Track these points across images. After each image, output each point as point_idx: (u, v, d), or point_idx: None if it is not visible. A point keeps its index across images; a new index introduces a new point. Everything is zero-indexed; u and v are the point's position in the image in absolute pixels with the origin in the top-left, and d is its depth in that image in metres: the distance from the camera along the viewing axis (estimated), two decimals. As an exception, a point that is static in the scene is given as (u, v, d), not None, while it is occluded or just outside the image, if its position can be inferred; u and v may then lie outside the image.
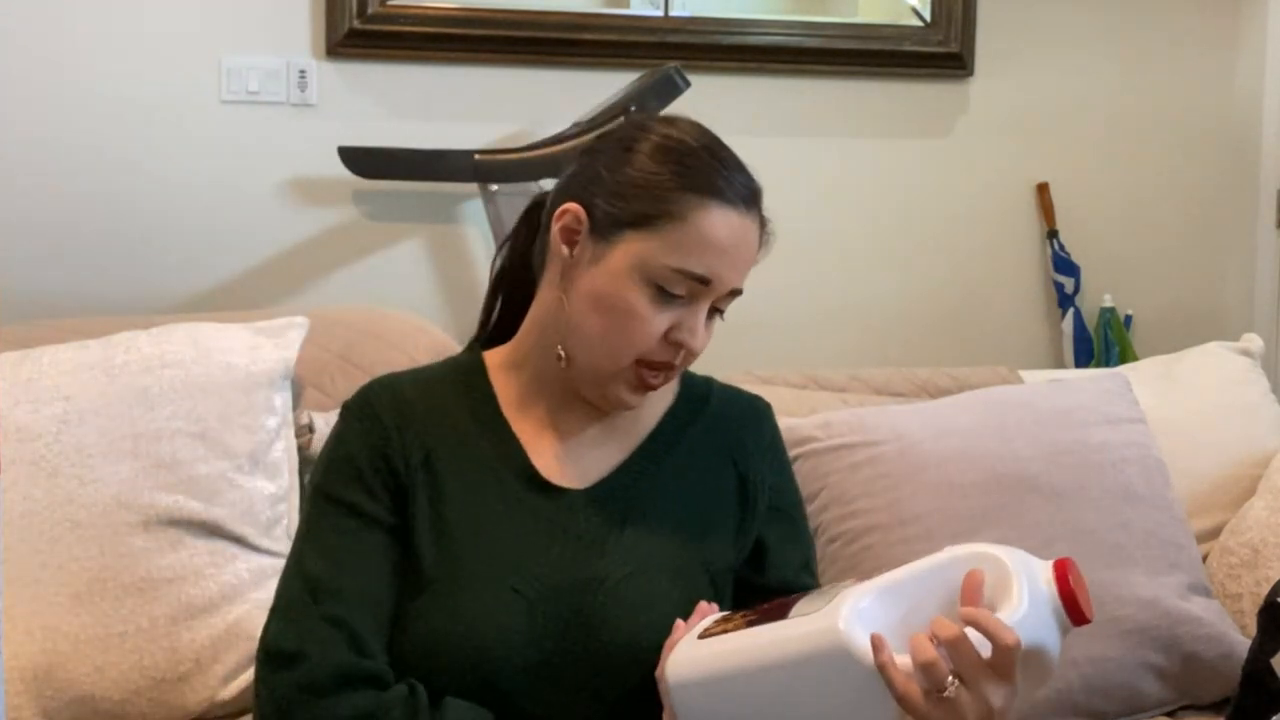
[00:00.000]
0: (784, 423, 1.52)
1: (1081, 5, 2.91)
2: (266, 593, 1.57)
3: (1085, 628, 1.11)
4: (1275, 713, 1.29)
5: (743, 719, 1.16)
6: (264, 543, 1.68)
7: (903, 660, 1.06)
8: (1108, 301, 2.91)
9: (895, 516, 1.78)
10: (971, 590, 1.09)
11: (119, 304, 2.46)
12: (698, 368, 1.41)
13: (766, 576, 1.39)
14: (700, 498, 1.37)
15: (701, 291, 1.28)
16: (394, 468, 1.30)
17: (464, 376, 1.38)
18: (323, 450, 1.36)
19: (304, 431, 1.79)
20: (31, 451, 1.62)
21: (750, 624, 1.17)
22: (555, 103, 2.61)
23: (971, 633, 1.05)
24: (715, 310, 1.32)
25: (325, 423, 1.78)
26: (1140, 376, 2.08)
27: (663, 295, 1.27)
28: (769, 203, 1.34)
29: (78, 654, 1.56)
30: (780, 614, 1.16)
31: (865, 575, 1.73)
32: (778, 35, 2.76)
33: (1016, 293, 2.95)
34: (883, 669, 1.05)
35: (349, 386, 1.53)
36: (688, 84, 2.43)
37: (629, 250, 1.27)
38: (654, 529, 1.33)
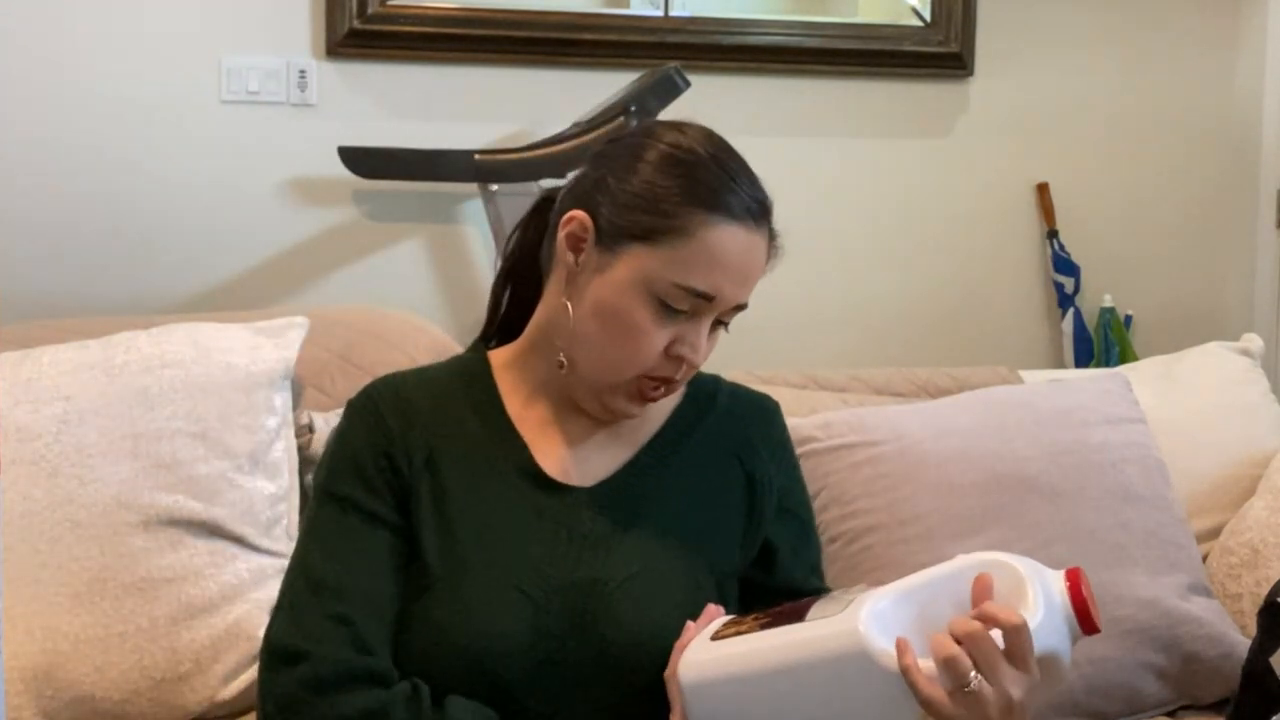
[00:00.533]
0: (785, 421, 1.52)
1: (1081, 5, 2.91)
2: (266, 593, 1.58)
3: None
4: (1275, 713, 1.29)
5: None
6: (264, 543, 1.68)
7: (925, 664, 1.06)
8: (1108, 301, 2.91)
9: (895, 516, 1.78)
10: (982, 594, 1.10)
11: (119, 304, 2.46)
12: (698, 367, 1.41)
13: (775, 578, 1.39)
14: (707, 497, 1.37)
15: (705, 308, 1.27)
16: (397, 466, 1.30)
17: (468, 375, 1.38)
18: (326, 448, 1.36)
19: (304, 431, 1.79)
20: (31, 451, 1.62)
21: (764, 626, 1.17)
22: (555, 103, 2.61)
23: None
24: (719, 323, 1.31)
25: (325, 423, 1.78)
26: (1140, 376, 2.08)
27: (666, 310, 1.26)
28: (769, 202, 1.34)
29: (78, 654, 1.56)
30: (795, 617, 1.15)
31: (866, 574, 1.75)
32: (778, 35, 2.77)
33: (1016, 293, 2.95)
34: (907, 672, 1.06)
35: (349, 386, 1.53)
36: (688, 84, 2.43)
37: (633, 263, 1.26)
38: (660, 529, 1.32)
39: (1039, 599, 1.09)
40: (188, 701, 1.60)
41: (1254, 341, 2.20)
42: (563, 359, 1.31)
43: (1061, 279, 2.89)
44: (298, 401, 1.82)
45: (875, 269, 2.87)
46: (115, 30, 2.50)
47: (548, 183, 2.22)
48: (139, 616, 1.59)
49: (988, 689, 1.06)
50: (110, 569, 1.59)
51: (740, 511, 1.38)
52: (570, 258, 1.30)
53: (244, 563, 1.66)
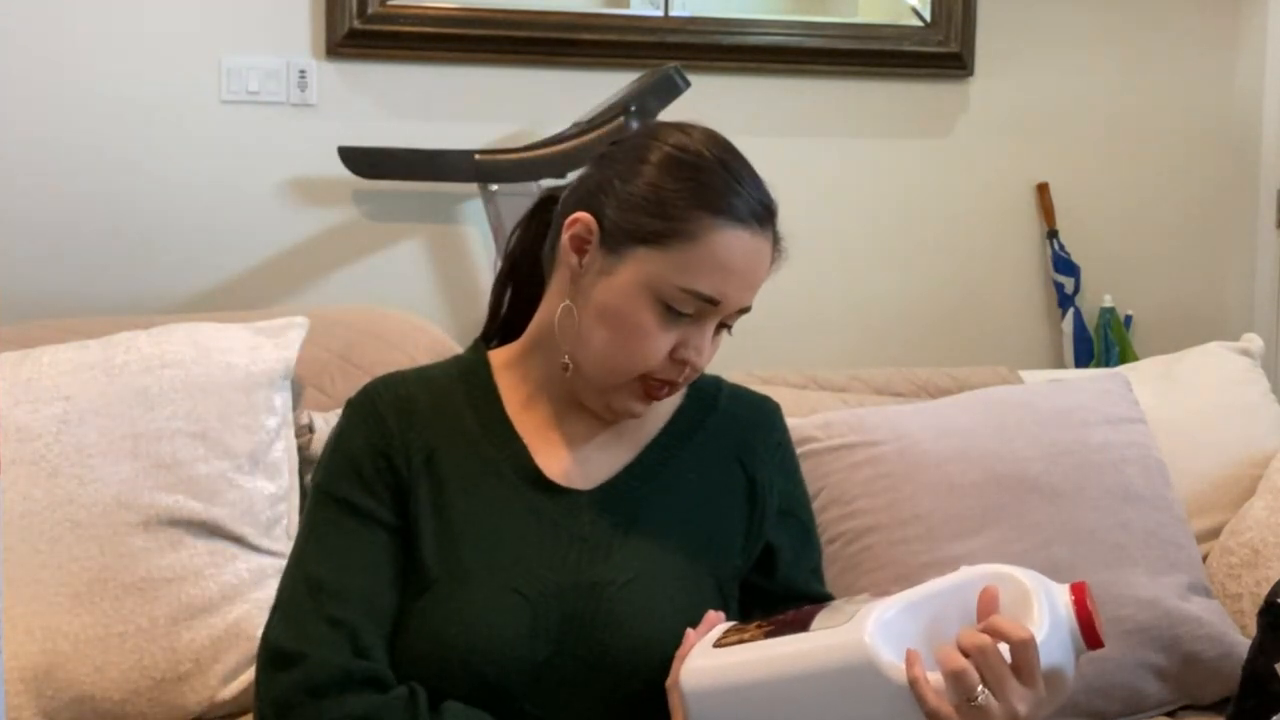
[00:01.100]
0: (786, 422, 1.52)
1: (1081, 5, 2.91)
2: (266, 593, 1.57)
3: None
4: (1275, 713, 1.29)
5: None
6: (264, 543, 1.68)
7: (932, 676, 1.06)
8: (1108, 301, 2.91)
9: (895, 516, 1.78)
10: (988, 607, 1.10)
11: (119, 304, 2.46)
12: (699, 367, 1.41)
13: (775, 581, 1.38)
14: (708, 500, 1.36)
15: (710, 311, 1.27)
16: (395, 467, 1.29)
17: (468, 376, 1.37)
18: (325, 448, 1.35)
19: (304, 431, 1.79)
20: (31, 451, 1.62)
21: (768, 635, 1.16)
22: (555, 103, 2.61)
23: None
24: (723, 325, 1.31)
25: (325, 423, 1.78)
26: (1140, 376, 2.08)
27: (670, 313, 1.26)
28: (770, 202, 1.34)
29: (78, 654, 1.56)
30: (798, 626, 1.15)
31: (866, 574, 1.75)
32: (778, 35, 2.77)
33: (1016, 293, 2.95)
34: (914, 683, 1.05)
35: (349, 386, 1.53)
36: (688, 84, 2.43)
37: (638, 266, 1.26)
38: (660, 532, 1.31)
39: (1044, 613, 1.09)
40: (188, 701, 1.60)
41: (1254, 341, 2.20)
42: (566, 361, 1.31)
43: (1061, 279, 2.89)
44: (298, 401, 1.82)
45: (875, 269, 2.87)
46: (115, 30, 2.50)
47: (547, 183, 2.22)
48: (139, 616, 1.59)
49: (994, 703, 1.06)
50: (110, 569, 1.59)
51: (741, 514, 1.37)
52: (574, 260, 1.29)
53: (244, 563, 1.65)
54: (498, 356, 1.39)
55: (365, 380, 1.39)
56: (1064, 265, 2.88)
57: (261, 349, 1.76)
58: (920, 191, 2.88)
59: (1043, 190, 2.91)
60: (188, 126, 2.54)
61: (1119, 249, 2.97)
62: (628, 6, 2.78)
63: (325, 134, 2.53)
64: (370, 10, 2.57)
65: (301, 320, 1.84)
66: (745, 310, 1.30)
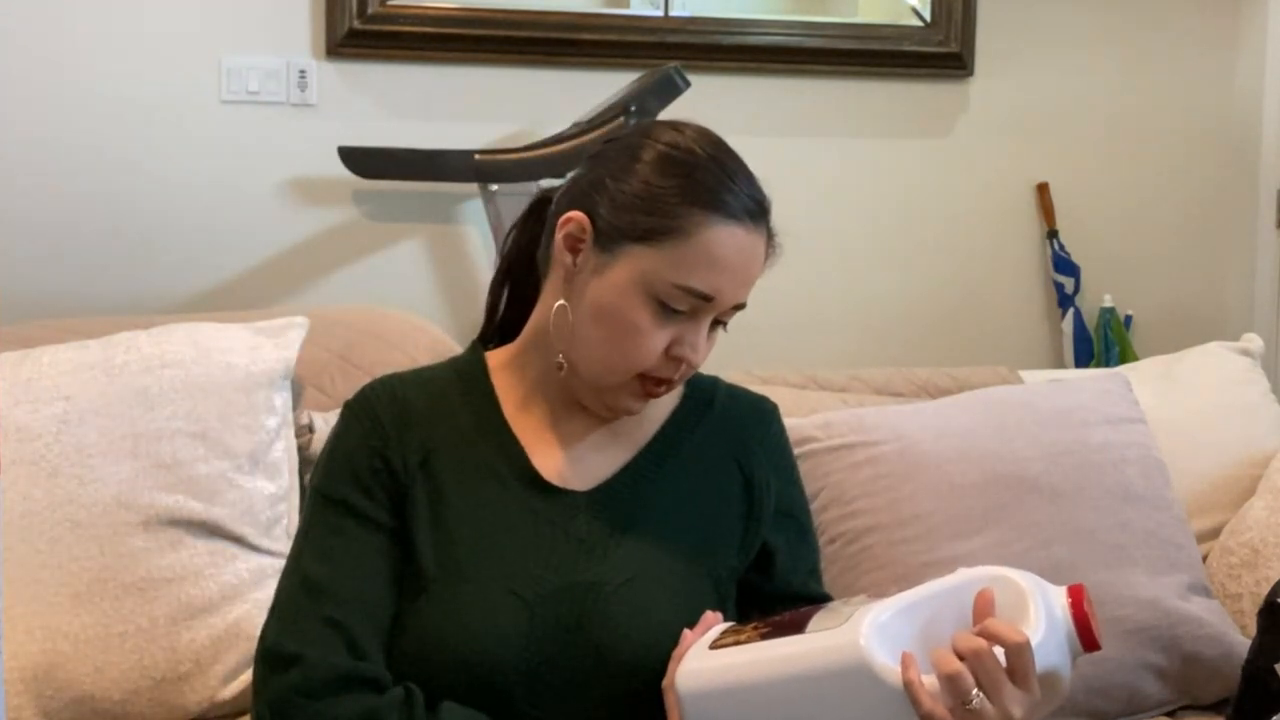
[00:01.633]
0: (784, 422, 1.52)
1: (1081, 5, 2.91)
2: (266, 593, 1.57)
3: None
4: (1275, 713, 1.29)
5: None
6: (264, 543, 1.68)
7: (927, 679, 1.06)
8: (1108, 301, 2.91)
9: (895, 516, 1.78)
10: (984, 609, 1.10)
11: (119, 304, 2.46)
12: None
13: (773, 581, 1.38)
14: (705, 501, 1.36)
15: (704, 308, 1.27)
16: (393, 469, 1.29)
17: (465, 377, 1.37)
18: (323, 450, 1.35)
19: (304, 431, 1.79)
20: (31, 451, 1.62)
21: (764, 637, 1.16)
22: (555, 103, 2.61)
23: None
24: (718, 322, 1.31)
25: (325, 423, 1.78)
26: (1140, 376, 2.08)
27: (665, 310, 1.26)
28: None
29: (78, 654, 1.56)
30: (795, 628, 1.15)
31: (866, 574, 1.75)
32: (778, 35, 2.77)
33: (1016, 293, 2.95)
34: (910, 686, 1.05)
35: (349, 386, 1.53)
36: (688, 84, 2.43)
37: (632, 264, 1.26)
38: (657, 533, 1.31)
39: (1040, 615, 1.08)
40: (187, 701, 1.60)
41: (1254, 341, 2.20)
42: (561, 360, 1.31)
43: (1061, 279, 2.89)
44: (298, 401, 1.82)
45: (875, 269, 2.87)
46: (115, 30, 2.51)
47: (547, 182, 2.22)
48: (139, 616, 1.59)
49: (989, 707, 1.06)
50: (110, 569, 1.59)
51: (738, 514, 1.37)
52: (568, 259, 1.29)
53: (244, 563, 1.66)
54: (495, 357, 1.39)
55: (365, 380, 1.39)
56: (1064, 265, 2.88)
57: (261, 349, 1.77)
58: (920, 191, 2.88)
59: (1043, 190, 2.91)
60: (188, 126, 2.54)
61: (1119, 249, 2.97)
62: (628, 6, 2.78)
63: (325, 134, 2.53)
64: (370, 10, 2.57)
65: (301, 320, 1.84)
66: (740, 307, 1.30)
